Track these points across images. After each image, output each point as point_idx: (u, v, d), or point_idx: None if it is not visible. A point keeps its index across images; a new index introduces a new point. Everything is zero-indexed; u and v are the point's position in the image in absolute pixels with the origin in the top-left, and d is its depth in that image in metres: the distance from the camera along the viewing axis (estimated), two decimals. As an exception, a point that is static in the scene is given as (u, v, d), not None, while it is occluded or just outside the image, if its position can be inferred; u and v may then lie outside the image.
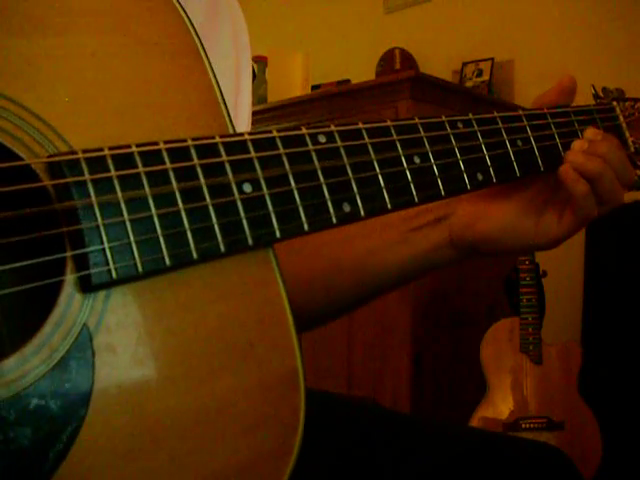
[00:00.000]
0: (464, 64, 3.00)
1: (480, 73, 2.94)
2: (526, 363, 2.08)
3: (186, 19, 0.48)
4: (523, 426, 2.04)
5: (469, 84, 2.94)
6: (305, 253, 0.74)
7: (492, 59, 2.92)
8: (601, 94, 0.78)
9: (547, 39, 2.77)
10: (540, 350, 2.07)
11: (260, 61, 3.15)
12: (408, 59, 3.08)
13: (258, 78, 3.14)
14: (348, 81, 3.00)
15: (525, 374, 2.08)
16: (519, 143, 0.65)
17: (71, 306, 0.40)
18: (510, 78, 2.91)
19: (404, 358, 2.28)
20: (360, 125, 0.54)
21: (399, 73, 2.71)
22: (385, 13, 3.36)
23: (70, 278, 0.40)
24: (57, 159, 0.40)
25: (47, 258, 0.39)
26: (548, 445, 0.77)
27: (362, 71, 3.09)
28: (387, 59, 3.12)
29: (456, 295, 2.43)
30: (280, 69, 3.02)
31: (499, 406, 2.08)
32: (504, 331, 2.12)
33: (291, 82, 2.99)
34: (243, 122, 0.80)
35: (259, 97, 3.08)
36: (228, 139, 0.46)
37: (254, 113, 0.84)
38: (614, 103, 0.76)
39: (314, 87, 3.04)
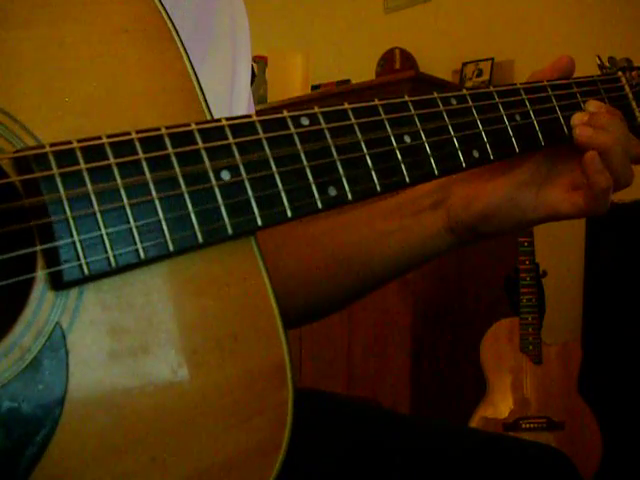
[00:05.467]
0: (464, 64, 3.00)
1: (480, 73, 2.94)
2: (526, 363, 2.08)
3: (158, 4, 0.47)
4: (523, 426, 2.03)
5: (469, 84, 2.93)
6: (302, 244, 0.73)
7: (492, 59, 2.92)
8: (607, 64, 0.76)
9: (547, 39, 2.77)
10: (540, 350, 2.07)
11: (260, 61, 3.15)
12: (408, 59, 3.08)
13: (258, 78, 3.14)
14: (348, 81, 3.00)
15: (525, 374, 2.08)
16: (517, 118, 0.62)
17: (43, 305, 0.39)
18: (510, 78, 2.90)
19: (404, 358, 2.28)
20: (346, 105, 0.52)
21: (399, 73, 2.72)
22: (385, 13, 3.36)
23: (41, 276, 0.39)
24: (24, 154, 0.39)
25: (14, 254, 0.38)
26: (548, 446, 0.76)
27: (362, 71, 3.09)
28: (387, 59, 3.12)
29: (456, 295, 2.43)
30: (280, 69, 3.02)
31: (499, 406, 2.07)
32: (504, 331, 2.12)
33: (291, 82, 2.99)
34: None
35: (259, 97, 3.08)
36: (204, 125, 0.45)
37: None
38: (619, 73, 0.74)
39: (314, 87, 3.04)
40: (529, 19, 2.85)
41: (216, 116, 0.47)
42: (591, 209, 0.64)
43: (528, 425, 2.03)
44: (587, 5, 2.69)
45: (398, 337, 2.30)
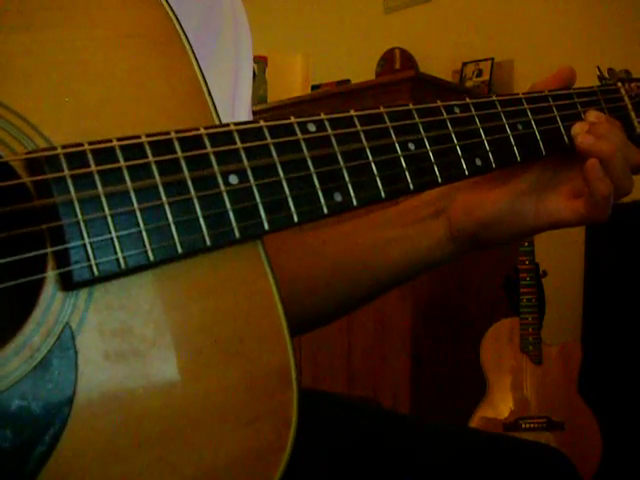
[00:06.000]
0: (464, 64, 3.00)
1: (480, 73, 2.94)
2: (526, 363, 2.08)
3: (168, 9, 0.47)
4: (523, 426, 2.04)
5: (469, 84, 2.94)
6: (305, 252, 0.73)
7: (492, 59, 2.92)
8: (607, 75, 0.76)
9: (547, 39, 2.77)
10: (540, 350, 2.07)
11: (260, 61, 3.15)
12: (408, 59, 3.08)
13: (258, 78, 3.14)
14: (348, 81, 3.00)
15: (525, 374, 2.08)
16: (519, 127, 0.63)
17: (52, 305, 0.39)
18: (510, 78, 2.91)
19: (404, 358, 2.28)
20: (352, 113, 0.52)
21: (399, 73, 2.72)
22: (385, 13, 3.36)
23: (51, 276, 0.39)
24: (36, 155, 0.39)
25: (26, 255, 0.38)
26: (548, 446, 0.76)
27: (362, 71, 3.09)
28: (387, 59, 3.12)
29: (456, 295, 2.43)
30: (280, 69, 3.02)
31: (499, 406, 2.08)
32: (504, 331, 2.12)
33: (291, 82, 2.99)
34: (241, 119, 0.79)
35: (259, 97, 3.08)
36: (213, 130, 0.45)
37: (253, 113, 0.83)
38: (619, 84, 0.74)
39: (314, 87, 3.04)
40: (529, 19, 2.85)
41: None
42: (592, 216, 0.64)
43: (528, 425, 2.03)
44: (587, 5, 2.69)
45: (398, 337, 2.30)
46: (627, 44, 2.53)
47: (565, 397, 2.05)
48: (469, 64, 2.99)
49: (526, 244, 2.09)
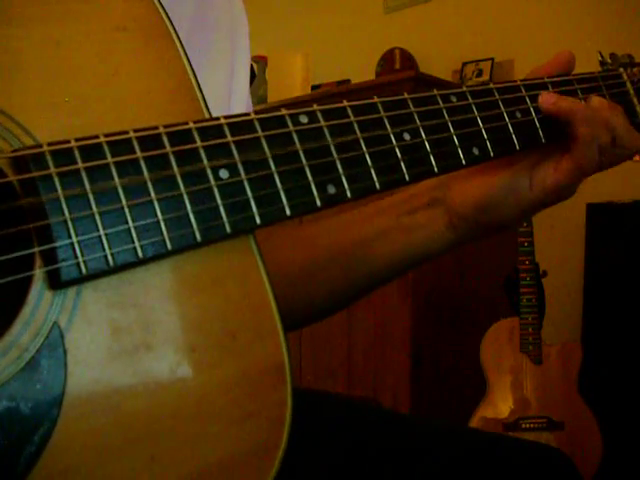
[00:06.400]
0: (464, 64, 3.00)
1: (480, 73, 2.94)
2: (526, 363, 2.08)
3: (156, 2, 0.46)
4: (523, 426, 2.03)
5: (469, 84, 2.93)
6: (300, 245, 0.73)
7: (492, 59, 2.92)
8: (609, 60, 0.75)
9: (547, 39, 2.77)
10: (540, 350, 2.07)
11: (260, 61, 3.15)
12: (408, 59, 3.08)
13: (258, 78, 3.14)
14: (348, 81, 3.01)
15: (525, 374, 2.07)
16: (518, 115, 0.62)
17: (40, 304, 0.39)
18: (510, 78, 2.90)
19: (404, 358, 2.27)
20: (345, 103, 0.52)
21: (399, 73, 2.72)
22: (385, 13, 3.36)
23: (39, 275, 0.39)
24: (21, 153, 0.39)
25: (12, 255, 0.37)
26: (548, 446, 0.76)
27: (362, 71, 3.09)
28: (387, 59, 3.12)
29: (456, 295, 2.43)
30: (280, 69, 3.02)
31: (499, 406, 2.07)
32: (504, 331, 2.12)
33: (291, 82, 2.99)
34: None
35: (259, 97, 3.08)
36: (203, 124, 0.44)
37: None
38: (621, 69, 0.73)
39: (314, 87, 3.05)
40: (529, 19, 2.85)
41: (215, 115, 0.47)
42: (581, 166, 0.63)
43: (528, 425, 2.03)
44: (587, 5, 2.69)
45: (398, 337, 2.30)
46: (628, 44, 2.53)
47: (565, 397, 2.04)
48: (469, 64, 2.99)
49: (526, 244, 2.08)
